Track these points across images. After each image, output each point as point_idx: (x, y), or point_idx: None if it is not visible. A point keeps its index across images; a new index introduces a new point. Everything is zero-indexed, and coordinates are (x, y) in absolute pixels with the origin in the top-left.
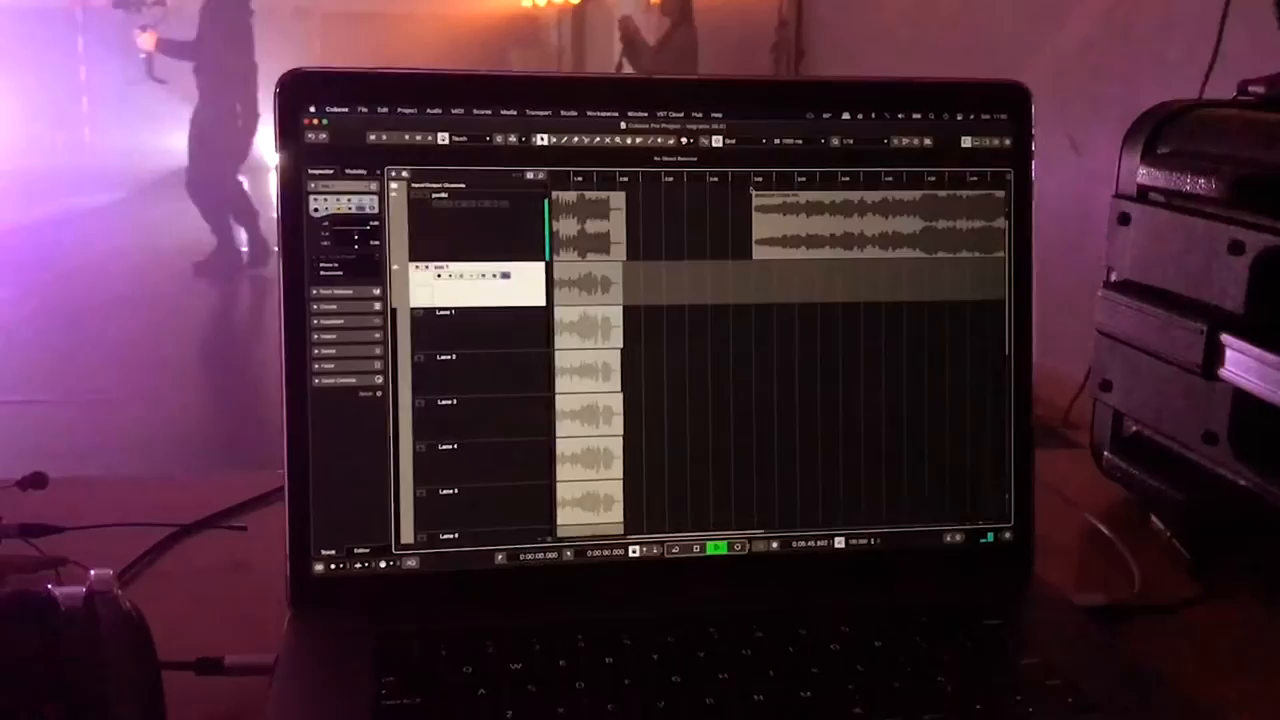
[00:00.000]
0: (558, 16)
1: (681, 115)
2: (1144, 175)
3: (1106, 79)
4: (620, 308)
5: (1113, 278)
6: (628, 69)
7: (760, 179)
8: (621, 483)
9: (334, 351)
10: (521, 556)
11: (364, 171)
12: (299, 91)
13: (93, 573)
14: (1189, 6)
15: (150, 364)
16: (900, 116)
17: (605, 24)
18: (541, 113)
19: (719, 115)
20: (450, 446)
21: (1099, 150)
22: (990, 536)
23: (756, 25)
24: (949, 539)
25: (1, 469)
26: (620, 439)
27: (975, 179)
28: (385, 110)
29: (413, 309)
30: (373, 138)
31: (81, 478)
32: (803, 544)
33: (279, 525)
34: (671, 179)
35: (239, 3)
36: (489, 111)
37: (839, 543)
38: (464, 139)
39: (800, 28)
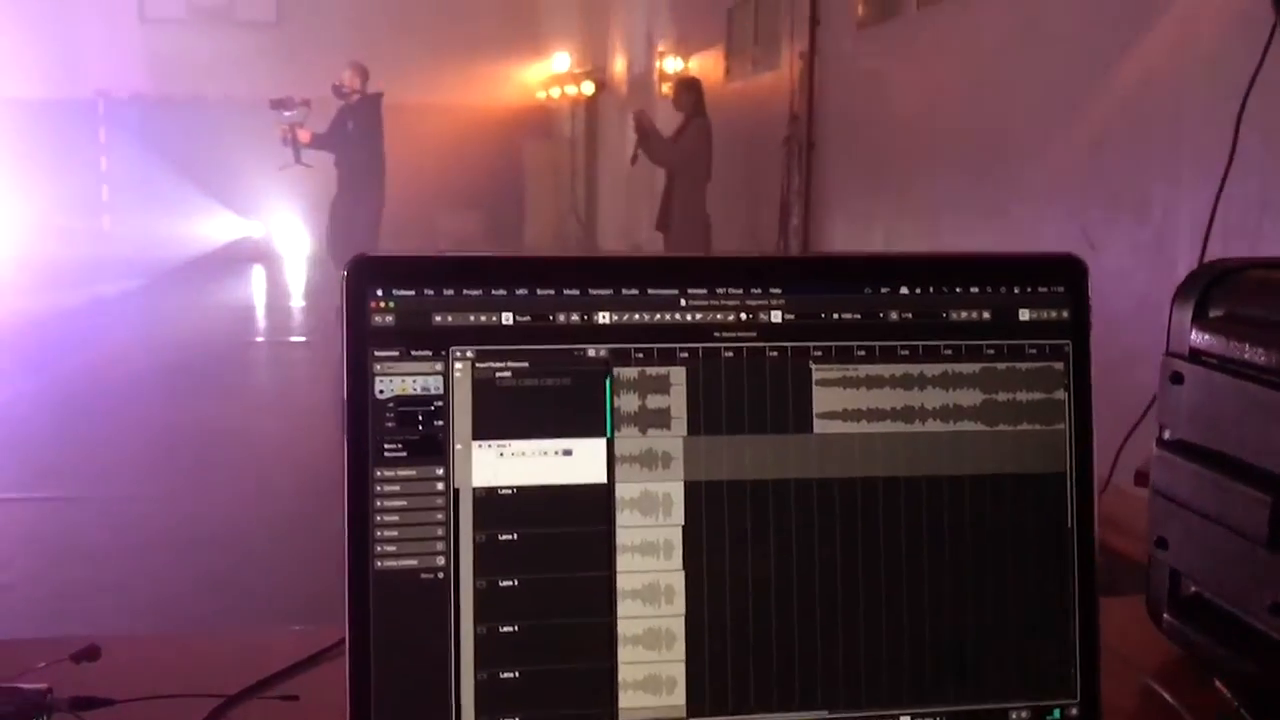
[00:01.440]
0: (571, 109)
1: (740, 291)
2: (1196, 338)
3: (1119, 174)
4: (681, 484)
5: (1166, 435)
6: (643, 160)
7: (820, 353)
8: (684, 664)
9: (396, 533)
10: None
11: (429, 352)
12: (366, 275)
13: None
14: (1200, 100)
15: (169, 459)
16: (958, 290)
17: (618, 116)
18: (603, 291)
19: (778, 291)
20: (511, 629)
21: (1113, 246)
22: (1057, 714)
23: (769, 119)
24: (1014, 716)
25: (19, 572)
26: (682, 619)
27: (1034, 351)
28: (451, 292)
29: (475, 489)
30: (438, 319)
31: (130, 637)
32: None
33: (331, 693)
34: (731, 354)
35: (374, 106)
36: (552, 291)
37: None
38: (527, 318)
39: (811, 122)
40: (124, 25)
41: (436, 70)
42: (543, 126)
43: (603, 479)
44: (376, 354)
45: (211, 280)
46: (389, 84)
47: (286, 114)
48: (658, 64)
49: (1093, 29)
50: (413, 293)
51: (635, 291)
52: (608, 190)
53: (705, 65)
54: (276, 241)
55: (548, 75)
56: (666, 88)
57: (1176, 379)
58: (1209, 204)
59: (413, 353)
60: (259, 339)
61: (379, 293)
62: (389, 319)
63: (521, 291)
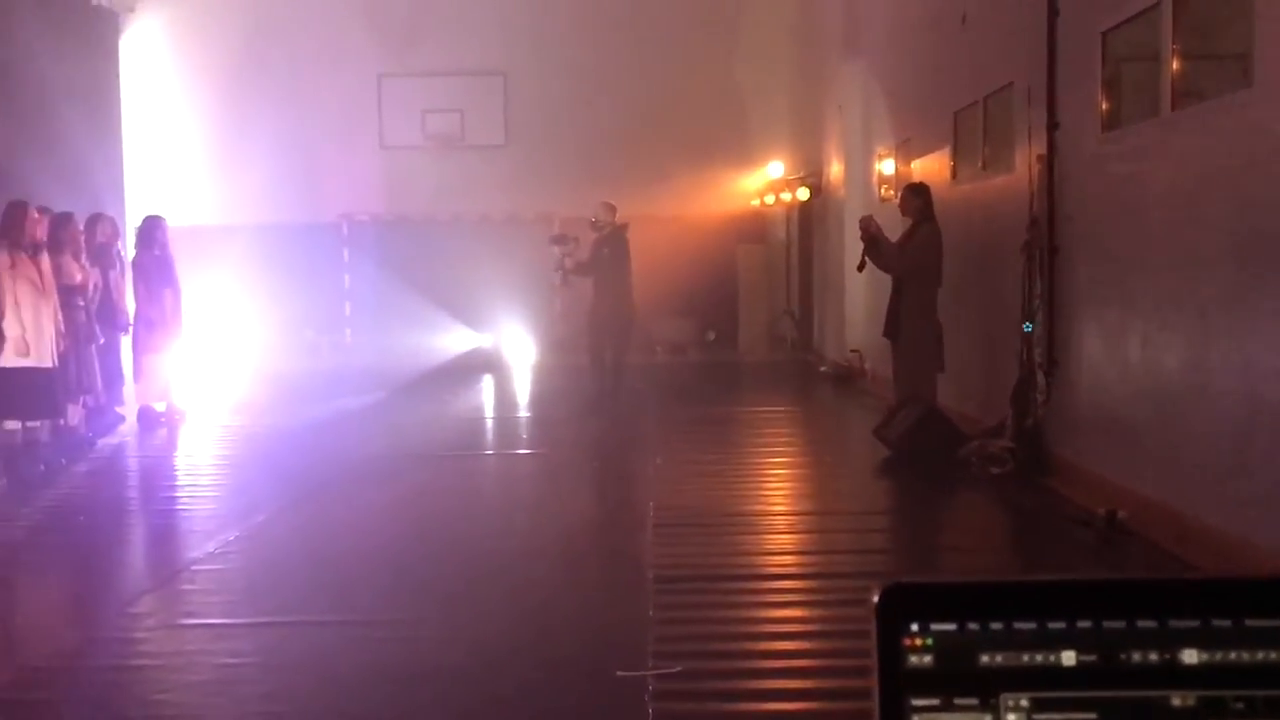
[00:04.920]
0: (786, 214)
1: None
2: None
3: None
4: None
5: None
6: (870, 267)
7: None
8: None
9: None
10: None
11: (975, 700)
12: (899, 607)
13: None
14: None
15: (409, 582)
16: None
17: (834, 220)
18: (1188, 623)
19: None
20: None
21: None
22: None
23: (1003, 223)
24: None
25: (290, 701)
26: None
27: None
28: (999, 625)
29: None
30: (985, 659)
31: None
32: None
33: None
34: None
35: (621, 234)
36: (1123, 622)
37: None
38: (1093, 658)
39: (1053, 225)
40: (365, 153)
41: (654, 183)
42: (757, 231)
43: None
44: (914, 703)
45: (445, 390)
46: (606, 196)
47: (561, 248)
48: (876, 167)
49: None
50: (954, 627)
51: (1228, 622)
52: (824, 294)
53: (928, 168)
54: (505, 352)
55: (763, 183)
56: (885, 190)
57: None
58: None
59: (956, 701)
60: (488, 451)
61: (915, 627)
62: (926, 659)
63: (1085, 624)
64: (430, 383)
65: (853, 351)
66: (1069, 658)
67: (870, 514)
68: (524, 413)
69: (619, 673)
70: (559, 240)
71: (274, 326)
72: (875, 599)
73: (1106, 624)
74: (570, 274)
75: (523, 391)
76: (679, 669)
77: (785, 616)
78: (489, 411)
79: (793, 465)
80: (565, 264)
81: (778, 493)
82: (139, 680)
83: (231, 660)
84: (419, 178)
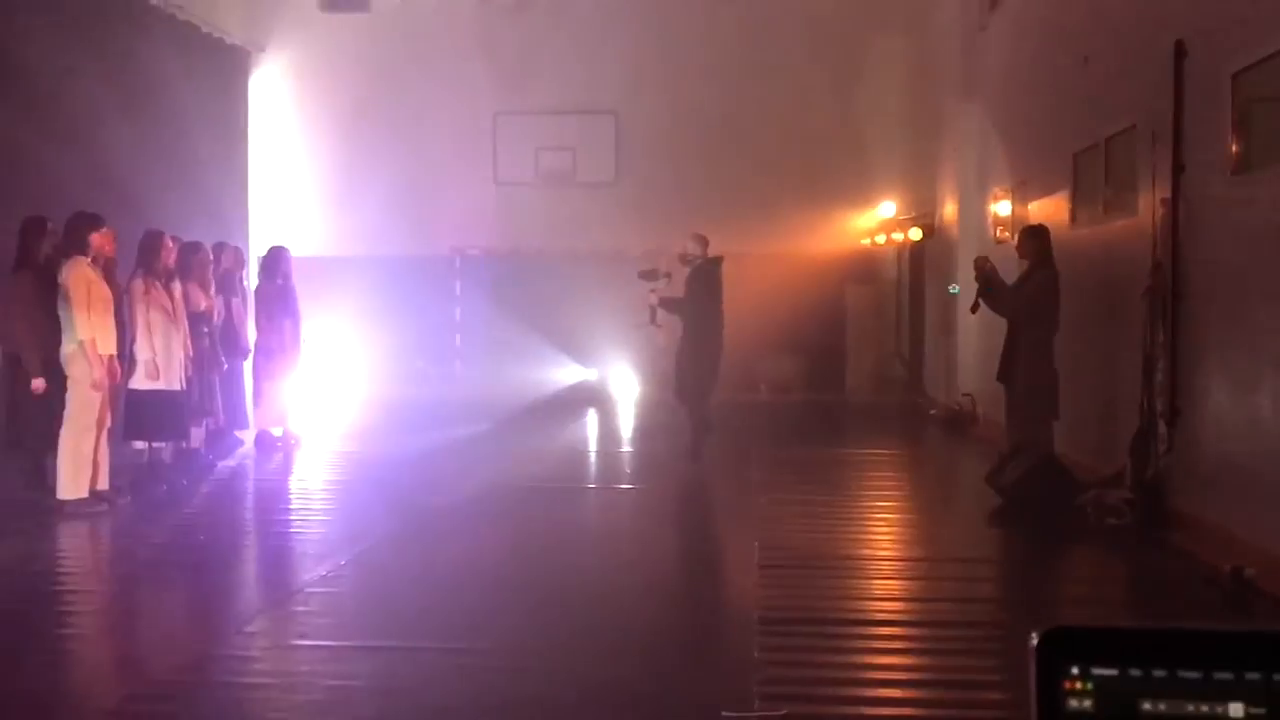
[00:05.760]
0: (897, 254)
1: None
2: None
3: None
4: None
5: None
6: (985, 310)
7: None
8: None
9: None
10: None
11: None
12: (1060, 649)
13: None
14: None
15: (511, 610)
16: None
17: (947, 261)
18: None
19: None
20: None
21: None
22: None
23: (1124, 267)
24: None
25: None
26: None
27: None
28: (1162, 673)
29: None
30: (1147, 706)
31: None
32: None
33: None
34: None
35: (715, 268)
36: None
37: None
38: (1262, 711)
39: (1177, 270)
40: (479, 188)
41: (763, 221)
42: (866, 271)
43: None
44: None
45: (551, 423)
46: (714, 234)
47: (653, 284)
48: (991, 208)
49: None
50: (1115, 672)
51: None
52: (936, 337)
53: (1046, 210)
54: (610, 386)
55: (874, 222)
56: (1000, 232)
57: None
58: None
59: None
60: (591, 485)
61: (1075, 670)
62: (1086, 703)
63: (1254, 676)
64: (536, 415)
65: (964, 395)
66: (1236, 710)
67: (980, 562)
68: (627, 447)
69: (724, 713)
70: (648, 275)
71: (386, 356)
72: (1034, 642)
73: (1277, 677)
74: (657, 310)
75: (626, 426)
76: (785, 712)
77: (892, 664)
78: (593, 445)
79: (901, 510)
80: (650, 299)
81: (885, 537)
82: (253, 698)
83: (341, 683)
84: (531, 213)
